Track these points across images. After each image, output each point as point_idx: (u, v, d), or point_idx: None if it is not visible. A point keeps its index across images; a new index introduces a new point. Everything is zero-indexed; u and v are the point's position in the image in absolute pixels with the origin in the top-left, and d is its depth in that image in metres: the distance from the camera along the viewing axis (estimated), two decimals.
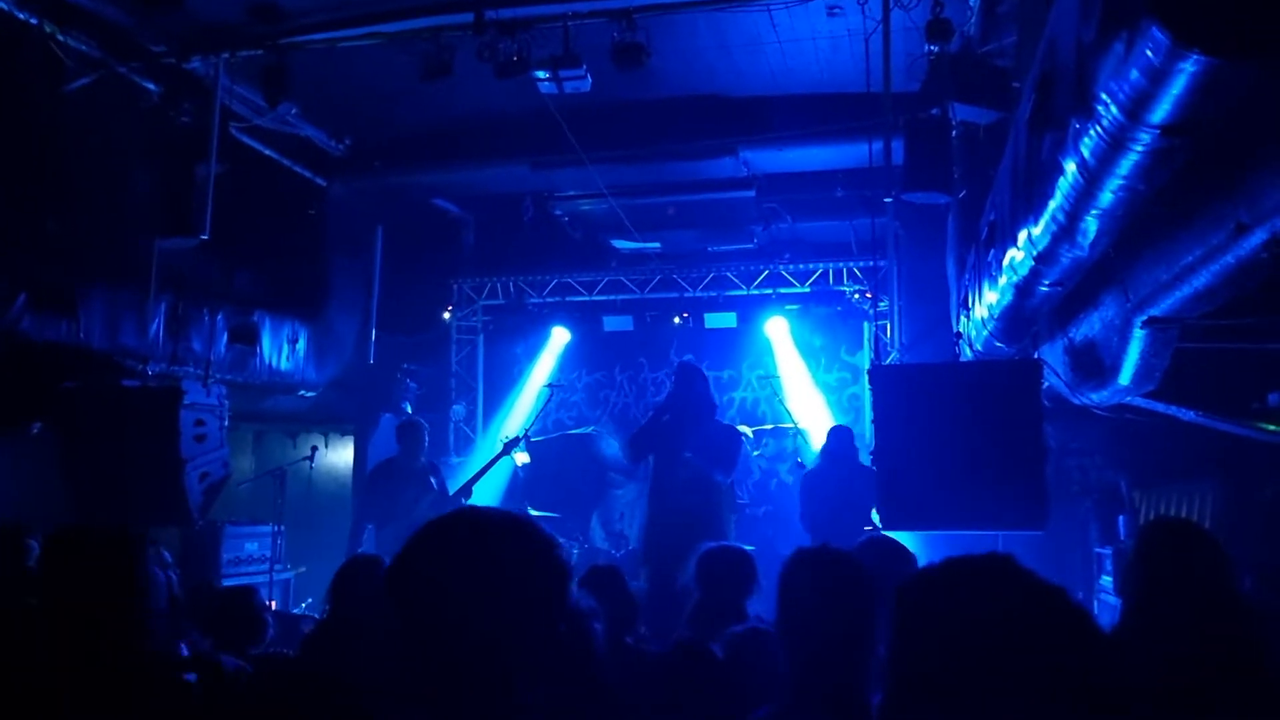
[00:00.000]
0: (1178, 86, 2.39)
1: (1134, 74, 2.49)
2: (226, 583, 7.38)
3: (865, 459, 7.76)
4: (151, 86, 7.76)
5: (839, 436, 7.90)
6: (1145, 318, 4.26)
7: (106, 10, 7.05)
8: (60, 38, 6.94)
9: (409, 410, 10.40)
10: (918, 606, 1.23)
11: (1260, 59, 2.25)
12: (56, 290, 6.95)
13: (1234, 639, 2.88)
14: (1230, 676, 2.78)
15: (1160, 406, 5.39)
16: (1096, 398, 5.46)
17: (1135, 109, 2.61)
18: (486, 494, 9.59)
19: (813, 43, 7.77)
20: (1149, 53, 2.35)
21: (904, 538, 6.60)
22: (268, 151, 9.11)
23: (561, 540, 8.64)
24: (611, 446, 10.98)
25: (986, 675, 1.13)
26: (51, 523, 3.86)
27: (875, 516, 6.75)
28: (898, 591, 1.26)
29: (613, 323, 11.15)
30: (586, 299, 11.31)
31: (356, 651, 3.11)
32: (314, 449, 9.07)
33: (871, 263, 9.97)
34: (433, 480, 7.65)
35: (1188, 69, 2.30)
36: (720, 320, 10.85)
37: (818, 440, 10.24)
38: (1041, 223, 3.93)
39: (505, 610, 1.49)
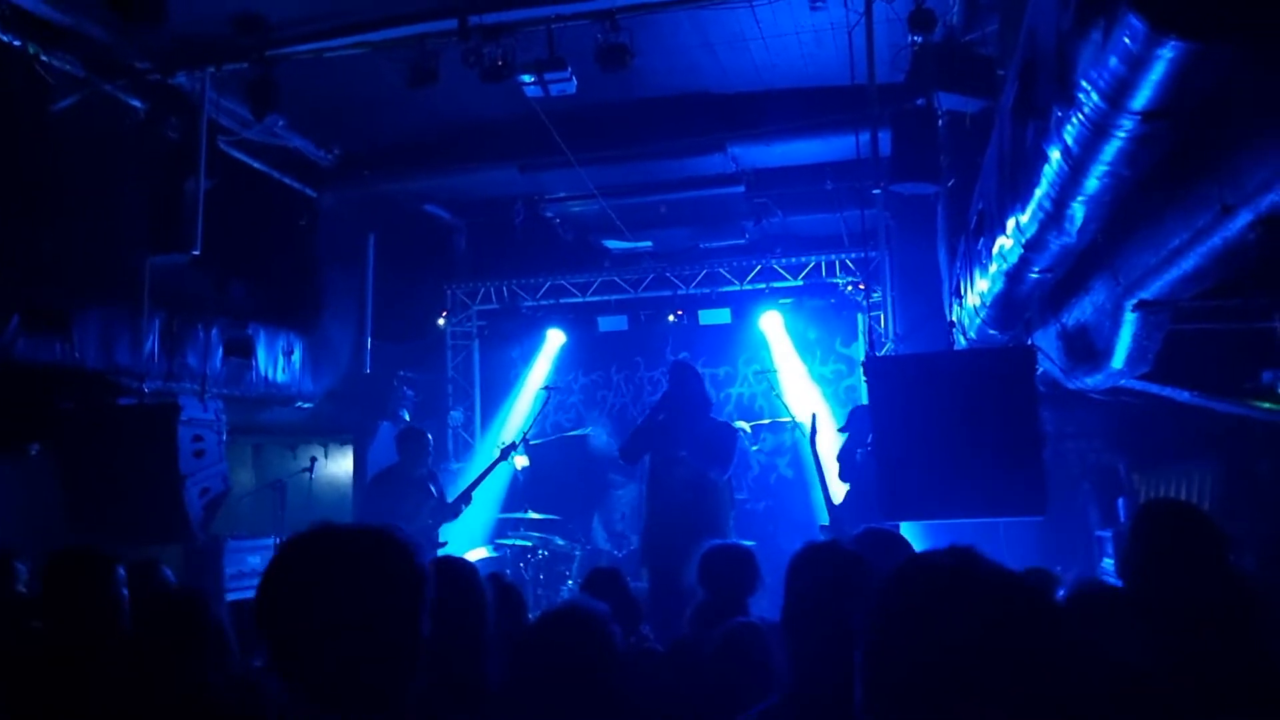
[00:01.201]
0: (1157, 72, 2.40)
1: (1113, 61, 2.50)
2: (230, 598, 7.38)
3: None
4: (137, 103, 7.75)
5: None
6: (1136, 301, 4.28)
7: (89, 29, 7.02)
8: (44, 58, 6.92)
9: (407, 418, 10.41)
10: (883, 608, 1.24)
11: (1237, 41, 2.26)
12: (49, 311, 6.94)
13: (1233, 617, 2.89)
14: (1230, 654, 2.80)
15: (1155, 388, 5.40)
16: (1091, 381, 5.47)
17: (1116, 96, 2.62)
18: (486, 499, 9.60)
19: (796, 37, 7.77)
20: (1127, 40, 2.36)
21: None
22: (257, 164, 9.10)
23: (563, 541, 8.67)
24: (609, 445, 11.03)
25: (955, 672, 1.15)
26: (50, 544, 3.86)
27: None
28: (873, 592, 1.28)
29: (607, 323, 11.16)
30: (580, 300, 11.31)
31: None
32: (313, 460, 9.07)
33: (863, 254, 9.98)
34: (432, 488, 7.65)
35: (1166, 54, 2.31)
36: (715, 317, 10.85)
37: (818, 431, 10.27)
38: (1029, 210, 3.95)
39: (366, 621, 1.55)
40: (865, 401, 6.44)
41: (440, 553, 7.20)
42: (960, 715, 1.13)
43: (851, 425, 7.70)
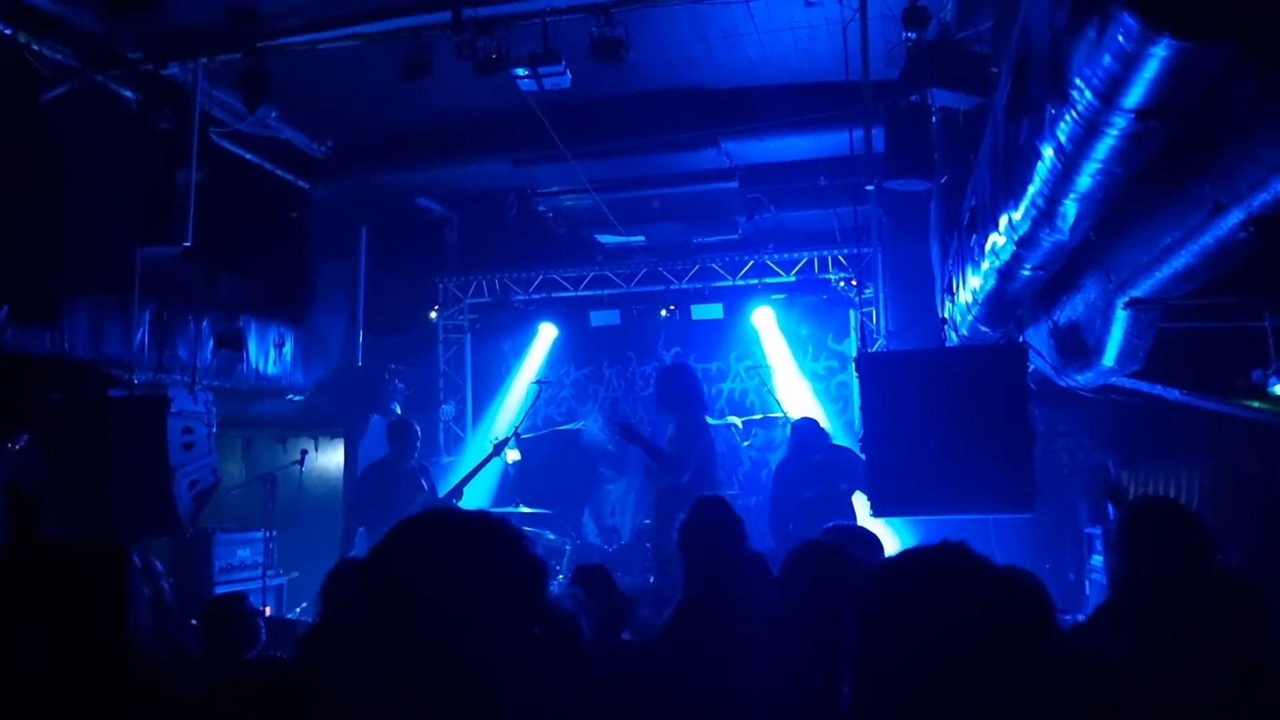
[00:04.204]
0: (1150, 70, 2.40)
1: (1106, 59, 2.50)
2: (219, 590, 7.37)
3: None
4: (129, 94, 7.71)
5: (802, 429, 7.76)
6: (1127, 299, 4.29)
7: (81, 18, 7.00)
8: (35, 47, 6.89)
9: (398, 411, 10.39)
10: (874, 601, 1.24)
11: (1230, 40, 2.27)
12: (40, 302, 6.92)
13: (1223, 614, 2.90)
14: (1220, 651, 2.81)
15: (1145, 386, 5.42)
16: (1082, 379, 5.49)
17: (1109, 93, 2.62)
18: (477, 492, 9.59)
19: (791, 33, 7.77)
20: (1120, 38, 2.36)
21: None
22: (249, 156, 9.06)
23: (553, 536, 8.61)
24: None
25: (946, 664, 1.14)
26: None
27: None
28: (862, 588, 1.27)
29: (599, 317, 11.14)
30: (572, 294, 11.30)
31: (347, 654, 3.11)
32: (304, 453, 9.06)
33: (856, 250, 9.99)
34: (423, 482, 7.64)
35: (1159, 53, 2.31)
36: (707, 312, 10.85)
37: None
38: (1021, 207, 3.95)
39: (481, 611, 1.48)
40: (857, 396, 6.44)
41: None
42: (950, 710, 1.13)
43: (794, 440, 7.62)
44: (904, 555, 1.30)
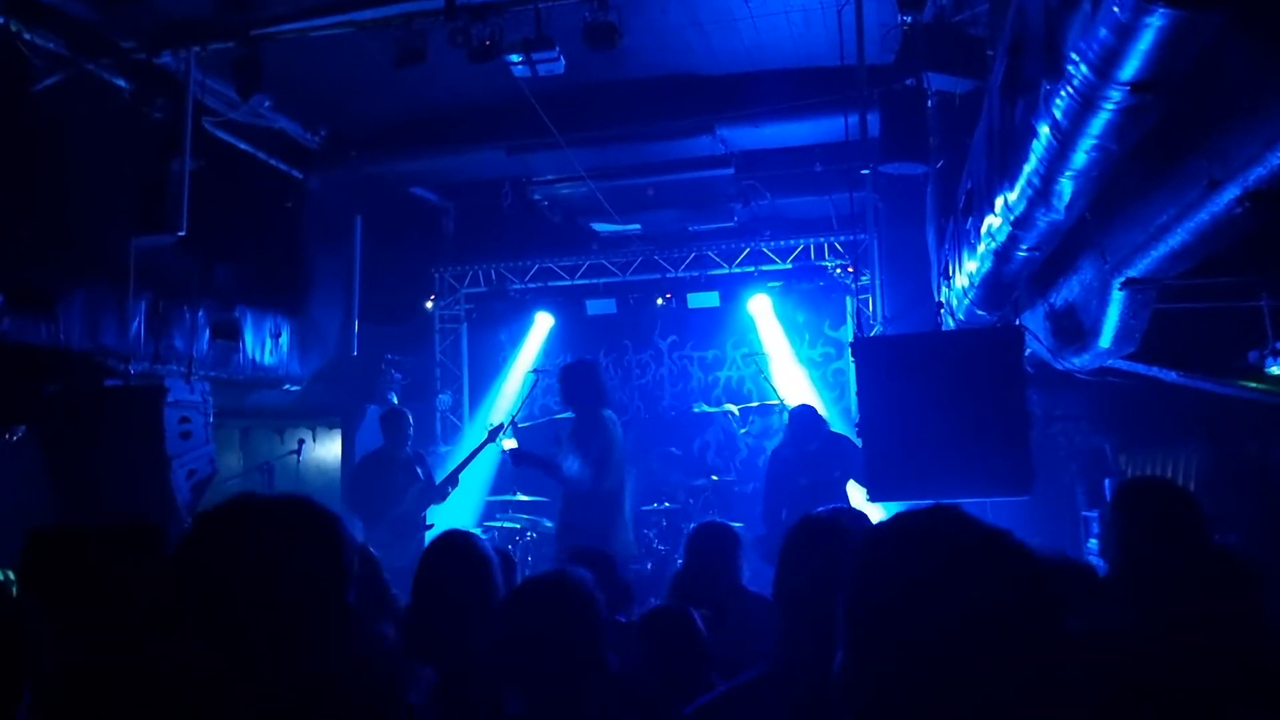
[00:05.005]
0: (1145, 41, 2.40)
1: (1102, 31, 2.50)
2: None
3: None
4: (122, 83, 7.67)
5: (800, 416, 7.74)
6: (1123, 279, 4.28)
7: (73, 7, 6.96)
8: (26, 36, 6.85)
9: (394, 400, 10.38)
10: (865, 565, 1.23)
11: (1225, 9, 2.26)
12: (35, 292, 6.89)
13: (1217, 589, 2.90)
14: (1216, 626, 2.81)
15: (1141, 368, 5.42)
16: (1078, 361, 5.49)
17: (1105, 67, 2.62)
18: (475, 481, 9.59)
19: (785, 17, 7.74)
20: (1116, 8, 2.35)
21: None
22: (243, 145, 9.03)
23: (551, 524, 8.62)
24: None
25: (938, 625, 1.13)
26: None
27: None
28: (851, 552, 1.26)
29: (596, 306, 11.13)
30: (569, 283, 11.29)
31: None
32: (301, 442, 9.05)
33: (852, 237, 9.99)
34: (419, 470, 7.64)
35: (1154, 23, 2.31)
36: (703, 300, 10.84)
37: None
38: (1017, 187, 3.94)
39: (289, 590, 1.50)
40: (854, 382, 6.44)
41: (429, 534, 7.20)
42: (945, 679, 1.12)
43: (791, 428, 7.61)
44: (893, 519, 1.29)
